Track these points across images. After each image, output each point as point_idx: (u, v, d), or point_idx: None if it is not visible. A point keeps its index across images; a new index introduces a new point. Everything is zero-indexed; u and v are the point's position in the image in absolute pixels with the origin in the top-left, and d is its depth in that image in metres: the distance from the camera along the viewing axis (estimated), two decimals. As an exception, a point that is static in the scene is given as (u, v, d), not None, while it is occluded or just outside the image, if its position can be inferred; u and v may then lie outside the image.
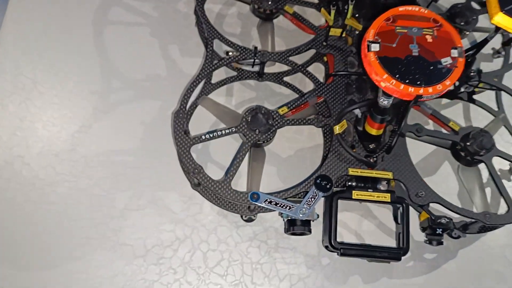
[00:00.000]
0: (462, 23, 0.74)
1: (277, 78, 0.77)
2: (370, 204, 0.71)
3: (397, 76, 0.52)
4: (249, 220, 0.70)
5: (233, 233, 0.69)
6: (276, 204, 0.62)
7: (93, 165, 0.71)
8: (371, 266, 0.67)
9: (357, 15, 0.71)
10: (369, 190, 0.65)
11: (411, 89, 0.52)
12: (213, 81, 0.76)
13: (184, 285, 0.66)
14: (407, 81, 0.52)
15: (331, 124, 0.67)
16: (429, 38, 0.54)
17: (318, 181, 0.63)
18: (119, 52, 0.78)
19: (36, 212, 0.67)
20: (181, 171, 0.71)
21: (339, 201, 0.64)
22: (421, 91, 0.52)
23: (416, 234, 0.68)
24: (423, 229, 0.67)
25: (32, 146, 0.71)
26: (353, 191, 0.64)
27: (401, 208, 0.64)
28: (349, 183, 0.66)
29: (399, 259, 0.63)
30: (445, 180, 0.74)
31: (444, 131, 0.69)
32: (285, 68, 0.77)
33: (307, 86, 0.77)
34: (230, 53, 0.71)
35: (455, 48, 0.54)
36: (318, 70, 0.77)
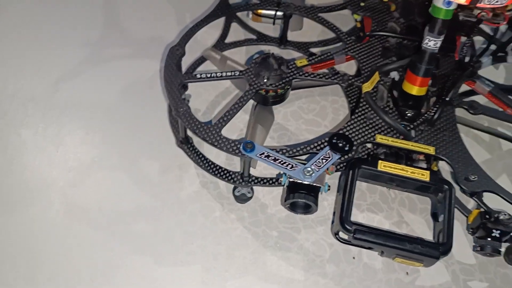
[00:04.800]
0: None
1: (302, 46, 0.65)
2: (397, 193, 0.53)
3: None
4: (242, 198, 0.54)
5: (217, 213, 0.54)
6: (275, 160, 0.47)
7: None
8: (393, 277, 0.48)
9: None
10: (401, 163, 0.49)
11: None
12: (227, 41, 0.65)
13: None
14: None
15: (359, 83, 0.53)
16: None
17: (334, 140, 0.48)
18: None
19: None
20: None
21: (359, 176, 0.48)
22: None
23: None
24: (473, 231, 0.48)
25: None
26: (379, 161, 0.48)
27: (444, 194, 0.47)
28: (375, 152, 0.50)
29: (437, 258, 0.44)
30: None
31: None
32: (312, 39, 0.66)
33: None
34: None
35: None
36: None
